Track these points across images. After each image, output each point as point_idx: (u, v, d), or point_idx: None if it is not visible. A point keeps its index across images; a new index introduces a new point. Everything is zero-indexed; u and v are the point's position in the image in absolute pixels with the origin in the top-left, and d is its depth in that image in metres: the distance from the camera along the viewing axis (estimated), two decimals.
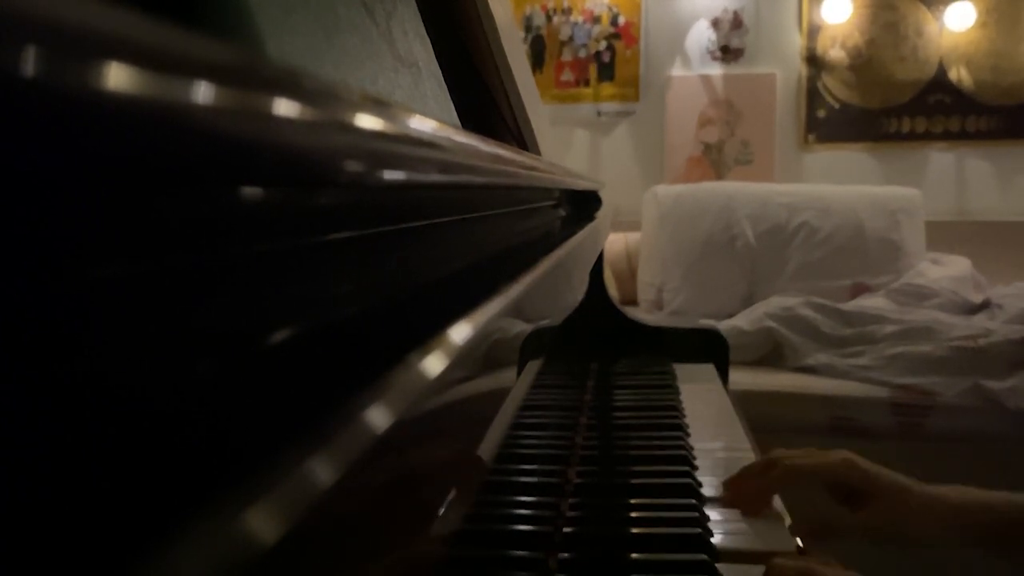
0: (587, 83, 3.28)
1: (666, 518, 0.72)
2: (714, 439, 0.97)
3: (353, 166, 0.19)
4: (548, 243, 0.67)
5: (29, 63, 0.08)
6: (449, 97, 0.70)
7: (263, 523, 0.12)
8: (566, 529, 0.68)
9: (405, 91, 0.55)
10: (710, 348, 1.34)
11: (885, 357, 2.05)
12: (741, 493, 0.76)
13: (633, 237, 2.90)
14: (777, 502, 0.77)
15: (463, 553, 0.34)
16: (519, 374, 0.44)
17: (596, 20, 3.27)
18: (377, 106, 0.21)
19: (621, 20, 3.25)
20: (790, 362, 2.16)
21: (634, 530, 0.71)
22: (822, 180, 3.07)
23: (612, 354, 1.31)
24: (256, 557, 0.12)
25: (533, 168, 0.57)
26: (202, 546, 0.11)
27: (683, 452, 0.87)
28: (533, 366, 0.53)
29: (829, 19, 3.11)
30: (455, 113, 0.70)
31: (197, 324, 0.17)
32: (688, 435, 0.96)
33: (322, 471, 0.14)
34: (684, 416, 1.03)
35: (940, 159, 3.12)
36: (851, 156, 3.17)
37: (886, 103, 3.13)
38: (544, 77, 3.27)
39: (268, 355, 0.19)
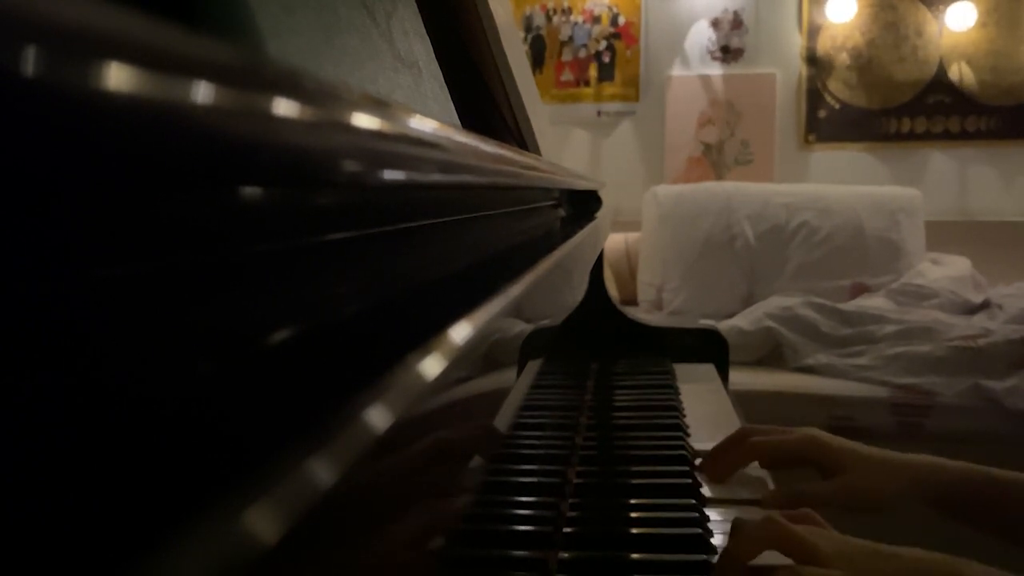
0: (587, 83, 3.28)
1: (666, 518, 0.72)
2: (714, 439, 0.97)
3: (353, 166, 0.19)
4: (548, 243, 0.67)
5: (29, 63, 0.08)
6: (449, 97, 0.70)
7: (263, 523, 0.12)
8: (566, 529, 0.68)
9: (405, 91, 0.55)
10: (710, 348, 1.34)
11: (885, 357, 2.05)
12: (713, 465, 0.83)
13: (633, 237, 2.90)
14: (766, 480, 0.82)
15: (463, 553, 0.34)
16: (519, 374, 0.44)
17: (596, 20, 3.27)
18: (377, 106, 0.21)
19: (621, 20, 3.25)
20: (790, 362, 2.16)
21: (634, 530, 0.71)
22: (822, 180, 3.07)
23: (612, 354, 1.31)
24: (256, 557, 0.12)
25: (533, 168, 0.57)
26: (202, 546, 0.11)
27: (683, 452, 0.87)
28: (533, 366, 0.53)
29: (832, 19, 3.11)
30: (455, 113, 0.70)
31: (197, 324, 0.17)
32: (688, 435, 0.96)
33: (322, 471, 0.14)
34: (684, 416, 1.03)
35: (940, 159, 3.12)
36: (851, 156, 3.17)
37: (886, 103, 3.13)
38: (544, 77, 3.27)
39: (268, 355, 0.19)
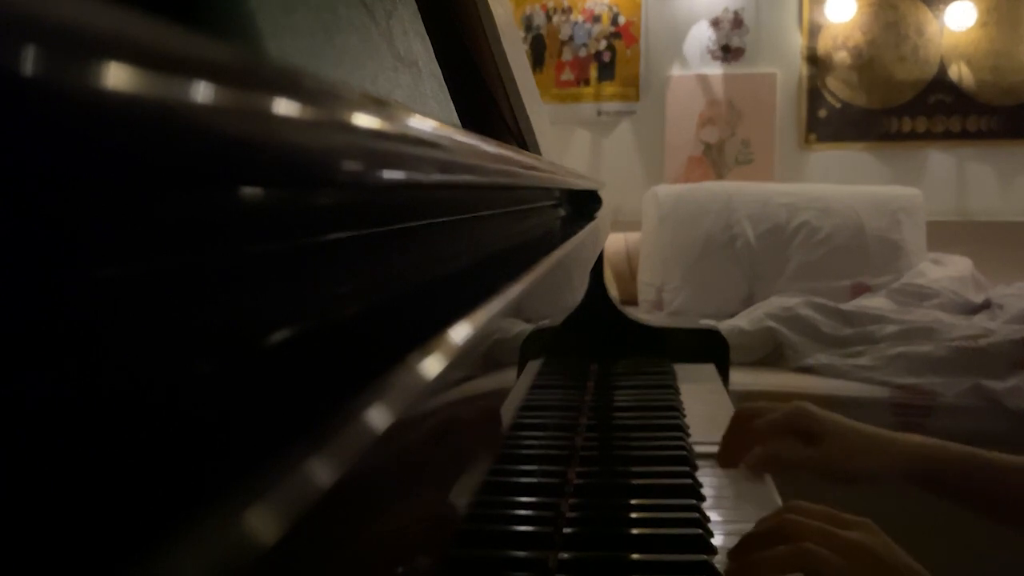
0: (587, 83, 3.28)
1: (666, 519, 0.72)
2: (714, 439, 0.97)
3: (353, 166, 0.19)
4: (548, 243, 0.67)
5: (29, 63, 0.08)
6: (449, 97, 0.70)
7: (263, 523, 0.12)
8: (566, 529, 0.68)
9: (405, 91, 0.56)
10: (710, 348, 1.34)
11: (885, 357, 2.05)
12: (725, 455, 0.89)
13: (633, 237, 2.90)
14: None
15: (463, 553, 0.34)
16: (519, 374, 0.44)
17: (596, 20, 3.26)
18: (377, 106, 0.21)
19: (621, 19, 3.25)
20: (790, 362, 2.15)
21: (634, 530, 0.71)
22: (823, 180, 3.07)
23: (612, 354, 1.30)
24: (256, 557, 0.12)
25: (533, 168, 0.57)
26: (202, 546, 0.11)
27: (683, 452, 0.87)
28: (533, 366, 0.53)
29: (832, 18, 3.11)
30: (455, 113, 0.70)
31: (197, 324, 0.17)
32: (688, 435, 0.96)
33: (322, 471, 0.14)
34: (684, 416, 1.03)
35: (941, 159, 3.12)
36: (852, 156, 3.17)
37: (887, 103, 3.13)
38: (544, 77, 3.27)
39: (268, 355, 0.19)
